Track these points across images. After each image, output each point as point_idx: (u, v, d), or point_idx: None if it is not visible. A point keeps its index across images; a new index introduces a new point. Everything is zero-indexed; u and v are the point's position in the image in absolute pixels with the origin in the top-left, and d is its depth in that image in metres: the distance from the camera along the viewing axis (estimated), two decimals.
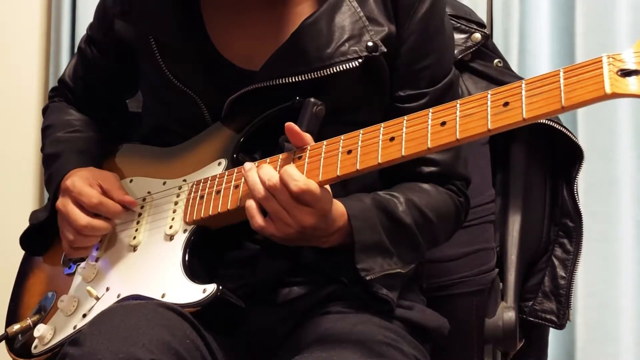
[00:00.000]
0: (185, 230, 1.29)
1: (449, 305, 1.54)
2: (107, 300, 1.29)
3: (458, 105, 1.07)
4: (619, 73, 0.94)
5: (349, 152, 1.15)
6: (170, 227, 1.31)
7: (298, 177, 1.14)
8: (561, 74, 0.99)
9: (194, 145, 1.37)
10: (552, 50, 2.21)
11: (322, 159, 1.16)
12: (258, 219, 1.18)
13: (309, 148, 1.19)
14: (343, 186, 1.28)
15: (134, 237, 1.34)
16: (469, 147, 1.45)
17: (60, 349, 1.14)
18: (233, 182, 1.26)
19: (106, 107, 1.58)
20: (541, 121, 1.55)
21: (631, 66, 0.94)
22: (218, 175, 1.30)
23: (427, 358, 1.29)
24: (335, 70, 1.27)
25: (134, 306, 1.18)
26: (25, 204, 2.57)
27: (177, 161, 1.39)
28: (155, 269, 1.28)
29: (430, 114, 1.09)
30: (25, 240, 1.47)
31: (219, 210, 1.25)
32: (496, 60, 1.66)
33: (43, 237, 1.46)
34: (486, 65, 1.65)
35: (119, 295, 1.28)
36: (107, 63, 1.51)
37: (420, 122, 1.09)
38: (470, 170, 1.42)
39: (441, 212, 1.34)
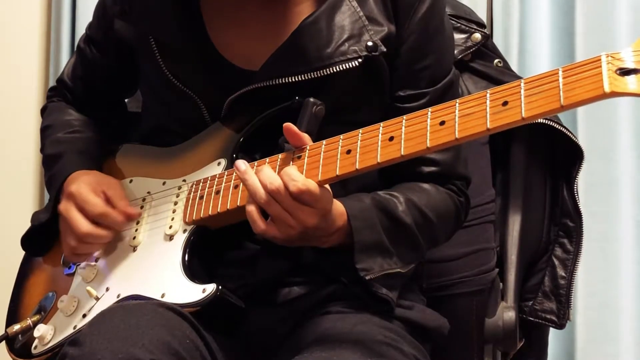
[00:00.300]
0: (185, 230, 1.29)
1: (449, 305, 1.54)
2: (107, 300, 1.29)
3: (457, 104, 1.07)
4: (618, 72, 0.94)
5: (348, 151, 1.14)
6: (170, 227, 1.31)
7: (297, 177, 1.14)
8: (560, 73, 0.99)
9: (194, 145, 1.37)
10: (552, 50, 2.22)
11: (321, 158, 1.16)
12: (260, 224, 1.17)
13: (308, 148, 1.19)
14: (343, 186, 1.28)
15: (134, 237, 1.34)
16: (469, 147, 1.45)
17: (61, 349, 1.14)
18: (233, 182, 1.26)
19: (105, 107, 1.57)
20: (541, 121, 1.55)
21: (630, 65, 0.94)
22: (218, 175, 1.30)
23: (427, 358, 1.29)
24: (335, 70, 1.27)
25: (134, 306, 1.18)
26: (25, 204, 2.57)
27: (176, 161, 1.39)
28: (155, 269, 1.28)
29: (429, 113, 1.09)
30: (27, 241, 1.47)
31: (219, 210, 1.25)
32: (496, 60, 1.66)
33: (44, 238, 1.46)
34: (486, 65, 1.65)
35: (118, 296, 1.28)
36: (107, 62, 1.50)
37: (420, 122, 1.09)
38: (470, 170, 1.42)
39: (441, 212, 1.34)
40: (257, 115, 1.32)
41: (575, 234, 1.61)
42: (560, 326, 1.60)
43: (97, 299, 1.31)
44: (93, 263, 1.36)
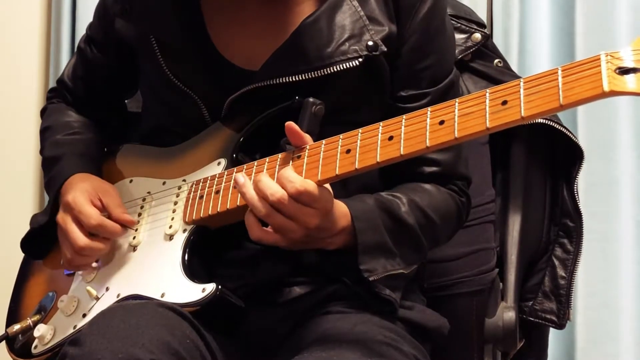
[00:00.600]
0: (184, 230, 1.29)
1: (449, 305, 1.54)
2: (107, 300, 1.29)
3: (456, 103, 1.07)
4: (617, 71, 0.94)
5: (348, 151, 1.14)
6: (170, 226, 1.31)
7: (294, 179, 1.14)
8: (559, 72, 0.99)
9: (194, 145, 1.37)
10: (552, 50, 2.21)
11: (321, 158, 1.16)
12: (256, 230, 1.17)
13: (307, 147, 1.19)
14: (343, 186, 1.28)
15: (134, 237, 1.34)
16: (469, 147, 1.45)
17: (61, 349, 1.14)
18: (232, 182, 1.26)
19: (105, 107, 1.57)
20: (541, 121, 1.55)
21: (629, 64, 0.94)
22: (217, 175, 1.29)
23: (427, 358, 1.29)
24: (335, 70, 1.27)
25: (134, 306, 1.18)
26: (24, 204, 2.57)
27: (176, 161, 1.39)
28: (155, 268, 1.28)
29: (428, 112, 1.09)
30: (26, 243, 1.47)
31: (219, 210, 1.25)
32: (496, 60, 1.66)
33: (44, 241, 1.45)
34: (486, 65, 1.65)
35: (118, 295, 1.28)
36: (107, 62, 1.51)
37: (419, 121, 1.09)
38: (470, 170, 1.42)
39: (443, 212, 1.34)
40: (257, 115, 1.32)
41: (575, 234, 1.61)
42: (560, 326, 1.60)
43: (97, 298, 1.31)
44: (93, 263, 1.36)
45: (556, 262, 1.61)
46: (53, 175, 1.44)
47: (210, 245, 1.30)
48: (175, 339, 1.12)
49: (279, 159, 1.21)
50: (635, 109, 2.14)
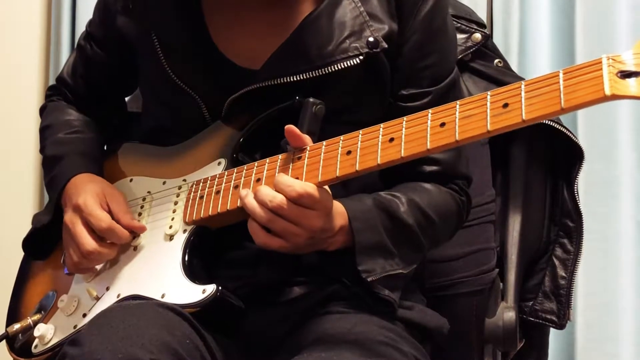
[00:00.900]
0: (185, 230, 1.29)
1: (449, 305, 1.54)
2: (107, 300, 1.29)
3: (457, 106, 1.07)
4: (619, 75, 0.94)
5: (349, 152, 1.14)
6: (170, 227, 1.31)
7: (292, 182, 1.14)
8: (561, 75, 0.99)
9: (194, 144, 1.37)
10: (552, 50, 2.21)
11: (321, 159, 1.16)
12: (261, 236, 1.17)
13: (308, 149, 1.19)
14: (344, 186, 1.28)
15: (134, 237, 1.34)
16: (469, 147, 1.45)
17: (61, 349, 1.14)
18: (233, 182, 1.26)
19: (106, 105, 1.57)
20: (541, 121, 1.55)
21: (631, 68, 0.94)
22: (218, 175, 1.29)
23: (427, 358, 1.29)
24: (336, 68, 1.27)
25: (134, 306, 1.18)
26: (24, 204, 2.57)
27: (177, 161, 1.38)
28: (155, 269, 1.28)
29: (429, 114, 1.09)
30: (27, 243, 1.47)
31: (219, 210, 1.25)
32: (496, 60, 1.66)
33: (45, 241, 1.45)
34: (486, 65, 1.65)
35: (118, 295, 1.28)
36: (107, 60, 1.50)
37: (420, 123, 1.09)
38: (470, 170, 1.42)
39: (443, 212, 1.34)
40: (257, 115, 1.31)
41: (575, 234, 1.61)
42: (560, 326, 1.60)
43: (97, 298, 1.31)
44: None
45: (556, 262, 1.61)
46: (55, 174, 1.43)
47: (210, 246, 1.30)
48: (175, 339, 1.12)
49: (279, 160, 1.21)
50: (635, 110, 2.14)
